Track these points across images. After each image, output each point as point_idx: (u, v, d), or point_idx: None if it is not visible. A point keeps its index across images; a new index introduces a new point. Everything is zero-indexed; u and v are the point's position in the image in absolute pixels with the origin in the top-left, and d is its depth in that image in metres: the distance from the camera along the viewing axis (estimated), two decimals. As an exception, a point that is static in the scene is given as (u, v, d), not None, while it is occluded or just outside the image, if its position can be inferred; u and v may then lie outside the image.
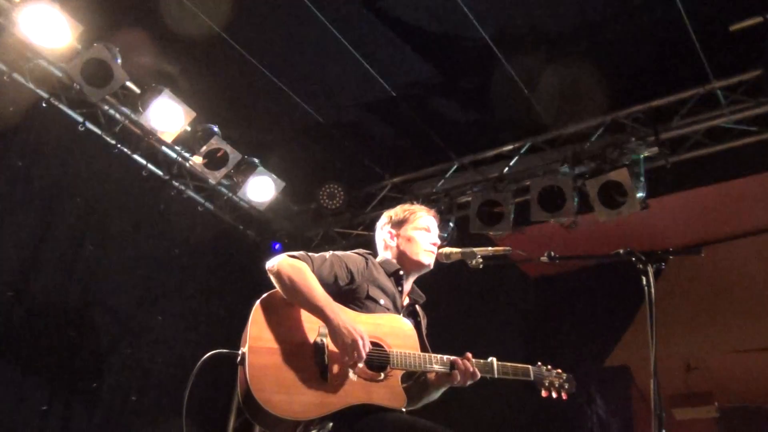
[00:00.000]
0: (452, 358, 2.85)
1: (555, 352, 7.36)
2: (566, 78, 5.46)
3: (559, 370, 3.12)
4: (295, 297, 2.61)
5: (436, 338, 3.12)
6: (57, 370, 5.50)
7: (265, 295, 2.67)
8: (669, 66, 5.47)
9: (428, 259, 3.07)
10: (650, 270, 2.46)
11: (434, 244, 3.09)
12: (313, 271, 2.69)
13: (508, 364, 2.98)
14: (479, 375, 2.87)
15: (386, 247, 3.14)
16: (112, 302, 5.92)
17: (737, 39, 4.97)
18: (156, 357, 6.04)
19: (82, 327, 5.69)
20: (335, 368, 2.59)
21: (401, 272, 3.03)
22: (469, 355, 2.88)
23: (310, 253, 2.79)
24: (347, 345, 2.54)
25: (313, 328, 2.63)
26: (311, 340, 2.61)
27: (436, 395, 2.98)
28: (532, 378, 3.02)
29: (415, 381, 2.94)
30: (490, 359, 2.94)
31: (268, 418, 2.46)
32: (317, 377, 2.55)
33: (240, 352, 2.54)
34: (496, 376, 2.92)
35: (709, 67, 5.31)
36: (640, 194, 5.61)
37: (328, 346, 2.59)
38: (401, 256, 3.08)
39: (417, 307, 3.12)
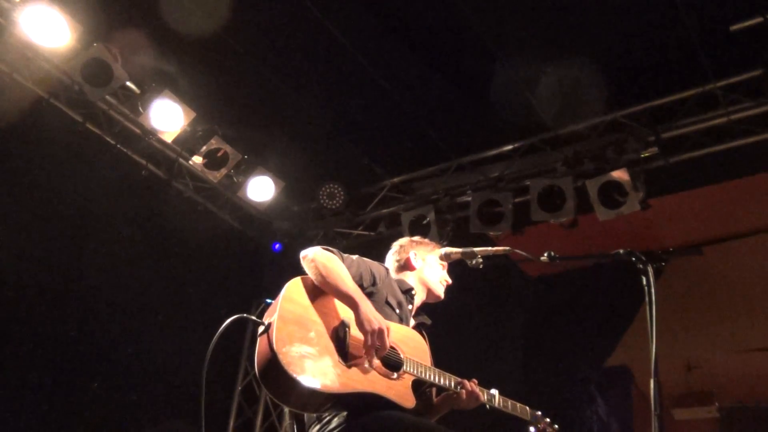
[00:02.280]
0: (460, 379, 2.97)
1: (555, 352, 7.37)
2: (566, 78, 5.46)
3: (548, 420, 3.29)
4: (327, 283, 2.70)
5: (437, 338, 3.14)
6: (57, 370, 5.50)
7: (297, 278, 2.75)
8: (669, 66, 5.47)
9: (442, 293, 3.24)
10: (650, 270, 2.45)
11: (447, 282, 3.25)
12: None
13: (509, 399, 3.14)
14: (483, 399, 3.00)
15: (408, 266, 3.23)
16: (112, 302, 5.91)
17: (737, 39, 4.97)
18: (156, 357, 6.04)
19: (82, 327, 5.68)
20: (355, 355, 2.66)
21: (413, 292, 3.14)
22: (475, 381, 3.01)
23: (340, 251, 2.91)
24: (373, 331, 2.62)
25: (337, 316, 2.72)
26: (335, 326, 2.69)
27: (436, 416, 3.07)
28: (528, 418, 3.20)
29: (420, 397, 2.97)
30: (492, 391, 3.08)
31: (285, 383, 2.47)
32: (337, 359, 2.62)
33: (266, 321, 2.57)
34: (496, 406, 3.07)
35: (709, 67, 5.31)
36: (640, 194, 5.61)
37: (350, 333, 2.68)
38: (421, 279, 3.20)
39: (423, 332, 3.18)
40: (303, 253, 2.80)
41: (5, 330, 5.20)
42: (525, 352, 7.75)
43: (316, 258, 2.74)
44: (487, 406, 3.02)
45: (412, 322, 3.14)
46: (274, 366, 2.46)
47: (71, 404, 5.52)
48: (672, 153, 5.71)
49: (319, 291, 2.73)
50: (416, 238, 3.39)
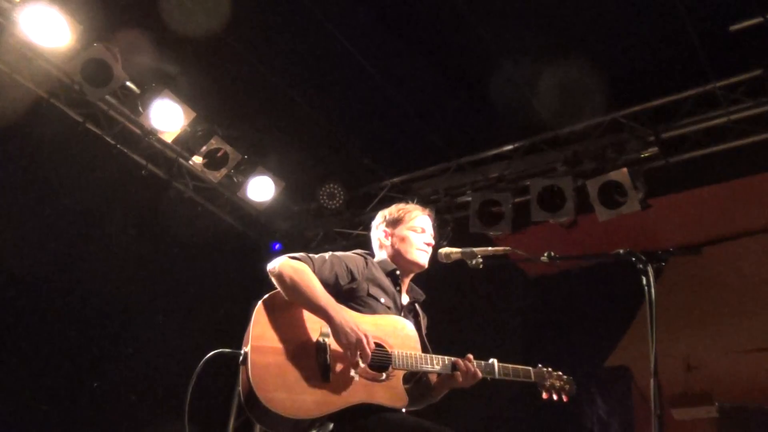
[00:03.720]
0: (453, 359, 2.88)
1: (555, 352, 7.36)
2: (566, 78, 5.46)
3: (560, 373, 3.15)
4: (297, 297, 2.62)
5: (436, 338, 3.12)
6: (57, 370, 5.50)
7: (267, 296, 2.66)
8: (669, 66, 5.47)
9: (422, 259, 3.08)
10: (650, 270, 2.45)
11: (428, 244, 3.10)
12: (314, 272, 2.70)
13: (509, 365, 3.01)
14: (481, 376, 2.89)
15: (381, 246, 3.15)
16: (112, 302, 5.91)
17: (737, 39, 4.97)
18: (156, 357, 6.04)
19: (82, 327, 5.68)
20: (337, 368, 2.59)
21: (397, 272, 3.05)
22: (470, 356, 2.91)
23: (310, 254, 2.80)
24: (351, 344, 2.55)
25: (315, 328, 2.63)
26: (313, 340, 2.62)
27: (438, 397, 2.99)
28: (533, 380, 3.06)
29: (417, 382, 2.94)
30: (491, 360, 2.97)
31: (269, 417, 2.46)
32: (319, 377, 2.55)
33: (242, 351, 2.54)
34: (497, 377, 2.95)
35: (709, 67, 5.31)
36: (640, 194, 5.61)
37: (330, 346, 2.59)
38: (396, 255, 3.09)
39: (417, 306, 3.13)
40: (269, 267, 2.69)
41: (5, 330, 5.20)
42: (525, 352, 7.74)
43: (283, 271, 2.63)
44: (488, 378, 2.93)
45: (406, 298, 3.07)
46: (255, 402, 2.44)
47: (71, 404, 5.52)
48: (672, 153, 5.72)
49: (293, 305, 2.64)
50: (390, 209, 3.20)
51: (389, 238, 3.12)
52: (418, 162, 6.81)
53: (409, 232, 3.09)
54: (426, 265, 3.10)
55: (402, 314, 2.98)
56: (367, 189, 7.14)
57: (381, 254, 3.13)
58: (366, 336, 2.57)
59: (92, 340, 5.74)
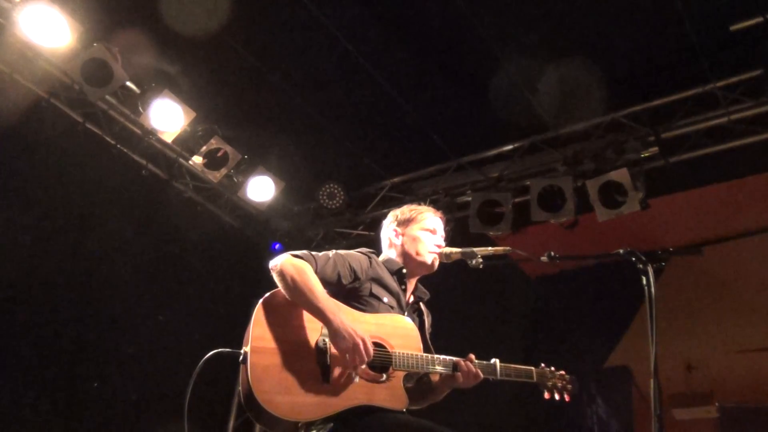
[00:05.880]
0: (455, 359, 2.87)
1: (555, 352, 7.37)
2: (566, 78, 5.46)
3: (562, 372, 3.14)
4: (297, 297, 2.60)
5: (437, 338, 3.12)
6: (57, 370, 5.49)
7: (267, 295, 2.65)
8: (669, 66, 5.47)
9: (431, 260, 3.07)
10: (650, 270, 2.45)
11: (438, 246, 3.08)
12: (316, 271, 2.69)
13: (511, 365, 3.00)
14: (482, 376, 2.89)
15: (391, 245, 3.14)
16: (112, 302, 5.91)
17: (737, 39, 4.97)
18: (156, 357, 6.03)
19: (82, 327, 5.68)
20: (337, 370, 2.58)
21: (404, 270, 3.03)
22: (472, 356, 2.90)
23: (313, 253, 2.78)
24: (348, 348, 2.53)
25: (315, 328, 2.62)
26: (313, 341, 2.61)
27: (440, 396, 2.99)
28: (534, 380, 3.05)
29: (419, 381, 2.94)
30: (492, 361, 2.95)
31: (269, 419, 2.46)
32: (319, 379, 2.54)
33: (242, 351, 2.54)
34: (498, 377, 2.94)
35: (709, 67, 5.31)
36: (640, 194, 5.61)
37: (330, 348, 2.58)
38: (405, 255, 3.08)
39: (422, 305, 3.12)
40: (271, 264, 2.67)
41: (5, 330, 5.20)
42: (525, 352, 7.75)
43: (284, 269, 2.60)
44: (490, 378, 2.92)
45: (411, 298, 3.07)
46: (254, 403, 2.44)
47: (71, 404, 5.52)
48: (672, 153, 5.71)
49: (293, 305, 2.62)
50: (402, 209, 3.21)
51: (399, 237, 3.11)
52: (418, 162, 6.81)
53: (420, 232, 3.09)
54: (435, 267, 3.09)
55: (406, 313, 2.96)
56: (367, 189, 7.14)
57: (389, 253, 3.12)
58: (363, 340, 2.55)
59: (92, 340, 5.74)
